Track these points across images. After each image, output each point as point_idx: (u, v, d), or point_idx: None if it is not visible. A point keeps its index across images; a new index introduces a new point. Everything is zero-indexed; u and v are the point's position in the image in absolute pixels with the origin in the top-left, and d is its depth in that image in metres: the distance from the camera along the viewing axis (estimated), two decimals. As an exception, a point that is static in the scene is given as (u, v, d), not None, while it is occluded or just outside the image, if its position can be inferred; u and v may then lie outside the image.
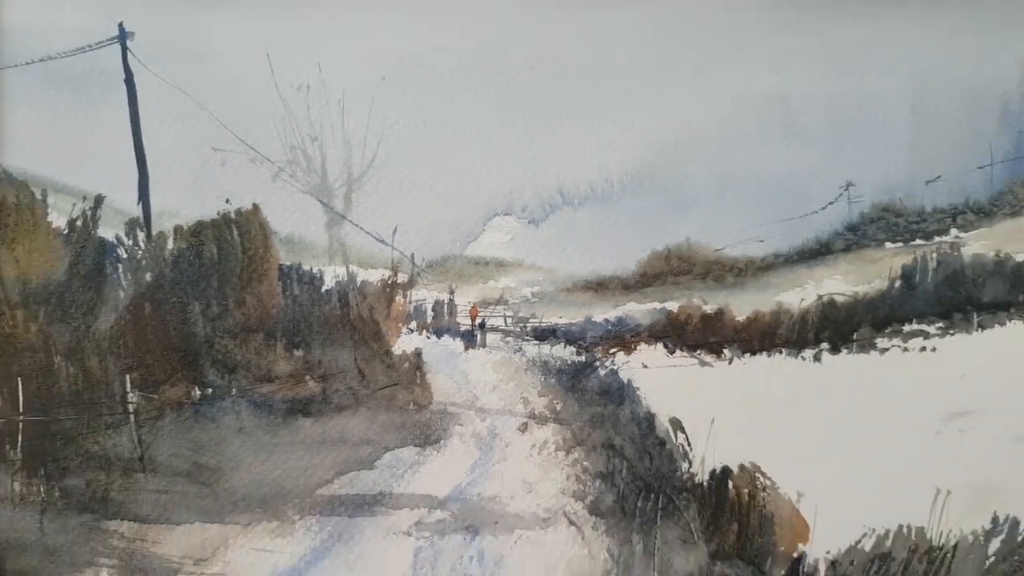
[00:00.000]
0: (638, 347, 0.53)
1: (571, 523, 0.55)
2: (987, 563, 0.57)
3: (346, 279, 0.53)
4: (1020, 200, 0.56)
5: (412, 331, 0.54)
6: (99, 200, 0.54)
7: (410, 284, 0.53)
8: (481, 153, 0.53)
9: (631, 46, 0.54)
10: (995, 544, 0.57)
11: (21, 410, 0.54)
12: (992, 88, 0.54)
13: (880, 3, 0.53)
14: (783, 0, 0.53)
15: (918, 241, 0.53)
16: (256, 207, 0.52)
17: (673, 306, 0.53)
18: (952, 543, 0.56)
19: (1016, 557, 0.56)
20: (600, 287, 0.54)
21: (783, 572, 0.56)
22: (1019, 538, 0.56)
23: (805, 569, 0.56)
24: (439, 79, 0.51)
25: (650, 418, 0.55)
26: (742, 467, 0.56)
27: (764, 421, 0.54)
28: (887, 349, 0.54)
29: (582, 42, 0.52)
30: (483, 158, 0.52)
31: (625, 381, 0.54)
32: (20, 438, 0.54)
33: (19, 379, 0.53)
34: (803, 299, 0.52)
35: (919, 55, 0.54)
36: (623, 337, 0.53)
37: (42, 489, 0.54)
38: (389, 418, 0.56)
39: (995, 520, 0.57)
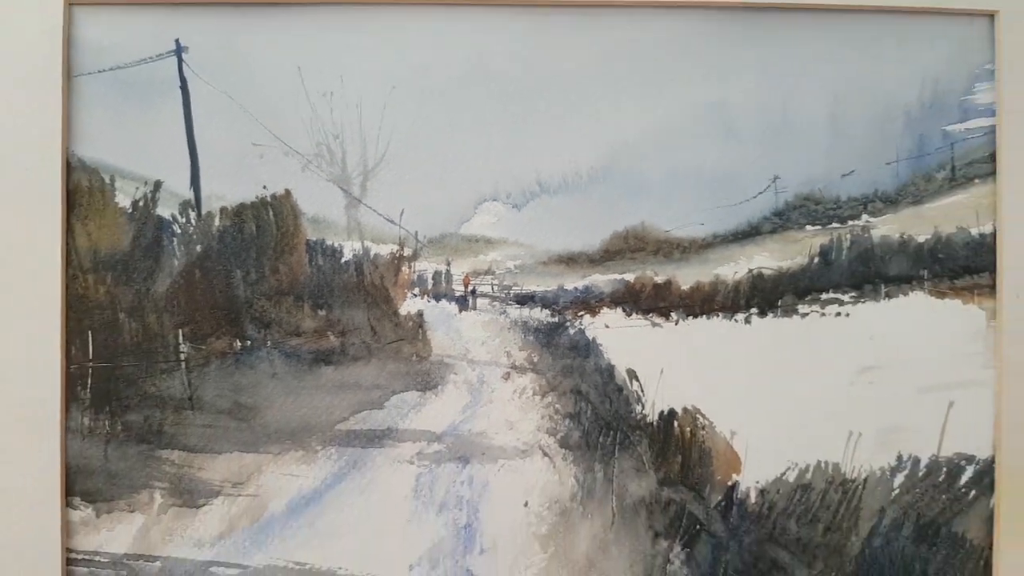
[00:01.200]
0: (601, 311, 0.55)
1: (545, 454, 0.59)
2: (892, 494, 0.61)
3: (361, 252, 0.55)
4: (921, 191, 0.58)
5: (415, 296, 0.57)
6: (158, 185, 0.56)
7: (414, 257, 0.56)
8: (473, 149, 0.55)
9: (597, 61, 0.58)
10: (899, 478, 0.60)
11: (91, 358, 0.57)
12: (897, 98, 0.56)
13: (804, 26, 0.57)
14: (723, 24, 0.56)
15: (834, 225, 0.55)
16: (288, 192, 0.54)
17: (630, 277, 0.55)
18: (863, 477, 0.59)
19: (917, 489, 0.62)
20: (571, 261, 0.56)
21: (720, 497, 0.61)
22: (920, 473, 0.61)
23: (738, 495, 0.60)
24: (439, 88, 0.53)
25: (610, 369, 0.57)
26: (685, 409, 0.58)
27: (704, 372, 0.57)
28: (807, 314, 0.55)
29: (557, 58, 0.55)
30: (474, 153, 0.55)
31: (590, 338, 0.56)
32: (89, 381, 0.57)
33: (89, 332, 0.57)
34: (736, 272, 0.54)
35: (837, 70, 0.56)
36: (589, 302, 0.56)
37: (107, 423, 0.58)
38: (396, 367, 0.58)
39: (899, 458, 0.59)
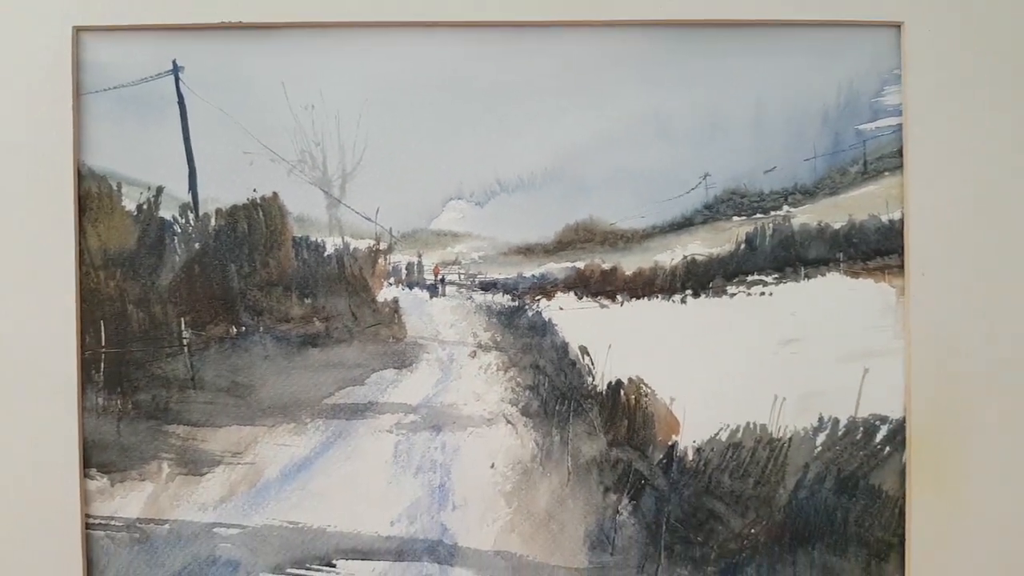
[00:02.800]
0: (556, 295, 0.59)
1: (508, 422, 0.65)
2: (815, 451, 0.64)
3: (342, 247, 0.58)
4: (836, 183, 0.62)
5: (391, 285, 0.60)
6: (159, 190, 0.58)
7: (389, 250, 0.59)
8: (439, 154, 0.59)
9: (548, 75, 0.61)
10: (821, 437, 0.64)
11: (103, 344, 0.59)
12: (815, 102, 0.60)
13: (729, 39, 0.60)
14: (657, 41, 0.60)
15: (758, 215, 0.59)
16: (275, 195, 0.57)
17: (581, 265, 0.58)
18: (788, 436, 0.64)
19: (837, 447, 0.64)
20: (528, 251, 0.60)
21: (661, 456, 0.64)
22: (839, 432, 0.63)
23: (677, 454, 0.63)
24: (408, 101, 0.56)
25: (564, 346, 0.60)
26: (630, 380, 0.64)
27: (646, 347, 0.60)
28: (735, 294, 0.59)
29: (512, 73, 0.59)
30: (441, 157, 0.58)
31: (546, 319, 0.60)
32: (102, 365, 0.59)
33: (102, 322, 0.59)
34: (672, 258, 0.58)
35: (759, 78, 0.60)
36: (545, 288, 0.60)
37: (119, 402, 0.58)
38: (375, 348, 0.61)
39: (820, 419, 0.64)
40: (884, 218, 0.63)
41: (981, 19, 0.61)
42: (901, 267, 0.62)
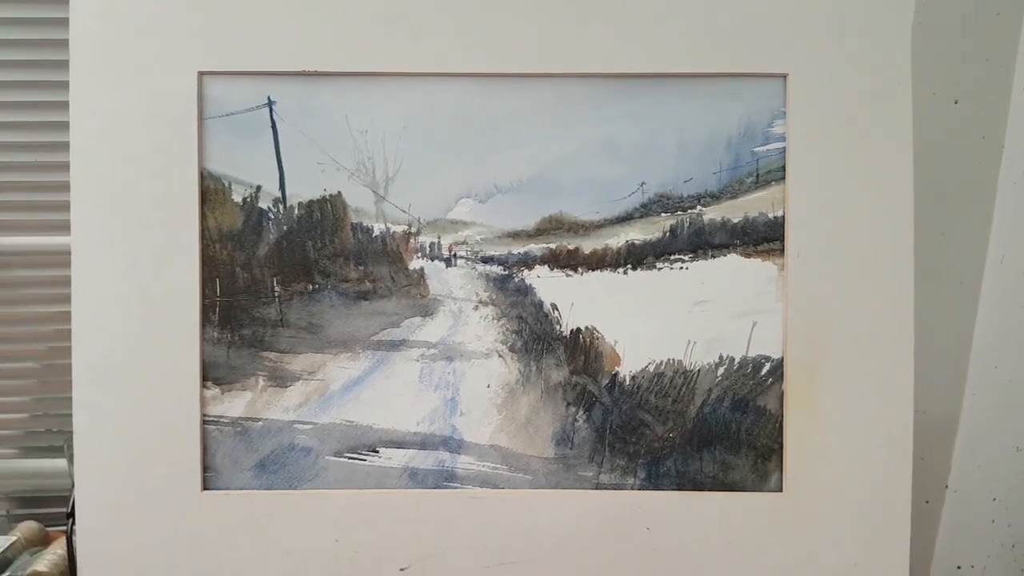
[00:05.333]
0: (535, 267, 0.76)
1: (500, 356, 0.75)
2: (716, 380, 0.75)
3: (385, 230, 0.75)
4: (736, 190, 0.76)
5: (419, 258, 0.76)
6: (258, 188, 0.74)
7: (417, 233, 0.76)
8: (454, 165, 0.75)
9: (530, 110, 0.74)
10: (721, 370, 0.75)
11: (218, 295, 0.73)
12: (722, 131, 0.74)
13: (659, 86, 0.74)
14: (608, 86, 0.74)
15: (679, 212, 0.75)
16: (339, 193, 0.75)
17: (553, 246, 0.75)
18: (697, 369, 0.75)
19: (733, 377, 0.76)
20: (516, 236, 0.76)
21: (607, 381, 0.75)
22: (735, 367, 0.75)
23: (618, 380, 0.75)
24: (432, 128, 0.74)
25: (540, 303, 0.76)
26: (586, 327, 0.75)
27: (598, 305, 0.76)
28: (662, 268, 0.76)
29: (505, 107, 0.74)
30: (455, 168, 0.75)
31: (528, 284, 0.76)
32: (217, 310, 0.73)
33: (217, 279, 0.73)
34: (618, 242, 0.75)
35: (683, 113, 0.74)
36: (527, 262, 0.76)
37: (228, 336, 0.73)
38: (407, 302, 0.76)
39: (720, 357, 0.75)
40: (770, 215, 0.73)
41: (848, 71, 0.73)
42: (782, 250, 0.72)
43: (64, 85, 1.08)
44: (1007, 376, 1.17)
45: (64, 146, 1.09)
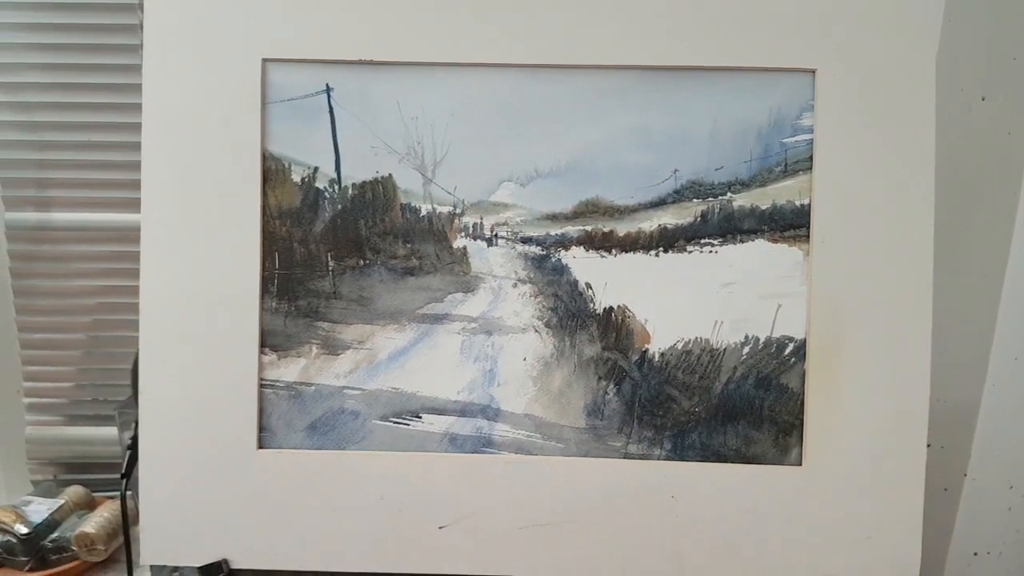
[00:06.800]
0: (571, 248, 0.79)
1: (536, 331, 0.78)
2: (742, 358, 0.78)
3: (432, 211, 0.79)
4: (765, 179, 0.78)
5: (462, 237, 0.80)
6: (316, 169, 0.78)
7: (462, 214, 0.79)
8: (497, 151, 0.78)
9: (571, 100, 0.77)
10: (746, 349, 0.78)
11: (277, 268, 0.77)
12: (752, 121, 0.77)
13: (693, 78, 0.77)
14: (643, 78, 0.77)
15: (710, 199, 0.78)
16: (390, 175, 0.79)
17: (589, 228, 0.78)
18: (723, 347, 0.77)
19: (758, 356, 0.78)
20: (554, 218, 0.78)
21: (637, 357, 0.78)
22: (760, 347, 0.78)
23: (648, 356, 0.78)
24: (477, 116, 0.78)
25: (575, 282, 0.79)
26: (619, 306, 0.78)
27: (630, 284, 0.79)
28: (692, 251, 0.78)
29: (546, 98, 0.78)
30: (498, 153, 0.78)
31: (564, 264, 0.79)
32: (276, 281, 0.76)
33: (276, 253, 0.77)
34: (651, 226, 0.78)
35: (715, 105, 0.77)
36: (564, 243, 0.79)
37: (285, 306, 0.77)
38: (451, 278, 0.79)
39: (746, 337, 0.78)
40: (797, 203, 0.75)
41: (874, 67, 0.75)
42: (807, 237, 0.75)
43: (112, 68, 1.15)
44: (1027, 367, 1.18)
45: (113, 126, 1.18)
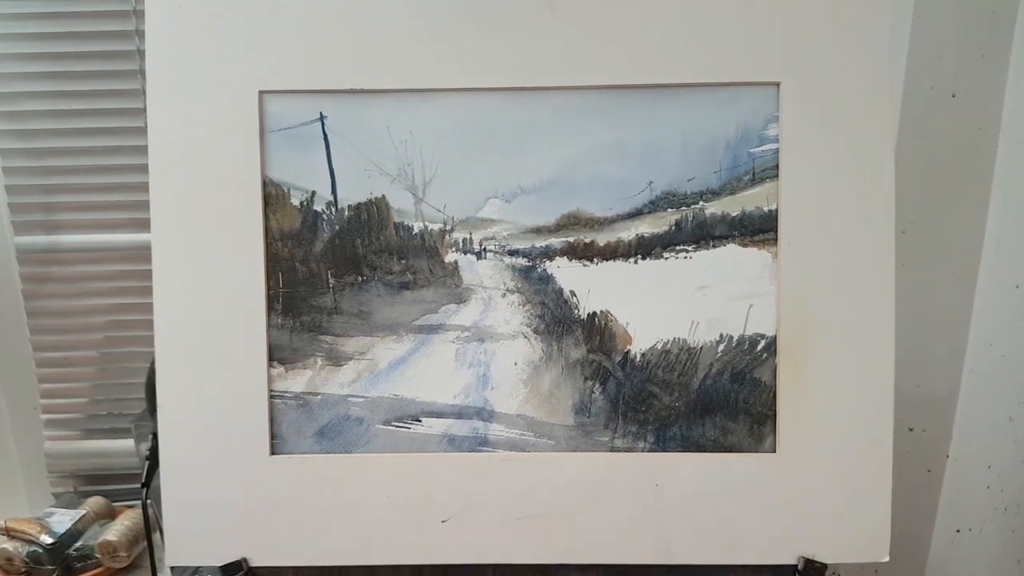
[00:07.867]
0: (555, 259, 0.82)
1: (525, 337, 0.80)
2: (717, 355, 0.81)
3: (423, 228, 0.82)
4: (734, 187, 0.82)
5: (453, 251, 0.82)
6: (313, 193, 0.81)
7: (452, 230, 0.82)
8: (483, 170, 0.81)
9: (550, 119, 0.80)
10: (721, 347, 0.81)
11: (281, 286, 0.79)
12: (720, 134, 0.80)
13: (664, 95, 0.80)
14: (617, 96, 0.80)
15: (683, 208, 0.81)
16: (384, 196, 0.81)
17: (571, 239, 0.81)
18: (700, 346, 0.80)
19: (732, 353, 0.81)
20: (538, 231, 0.81)
21: (620, 358, 0.80)
22: (734, 344, 0.81)
23: (630, 357, 0.80)
24: (463, 137, 0.81)
25: (560, 290, 0.82)
26: (601, 311, 0.81)
27: (612, 291, 0.82)
28: (668, 257, 0.82)
29: (527, 117, 0.81)
30: (484, 172, 0.81)
31: (550, 274, 0.82)
32: (280, 299, 0.79)
33: (279, 272, 0.79)
34: (629, 236, 0.81)
35: (686, 118, 0.80)
36: (549, 254, 0.82)
37: (290, 322, 0.80)
38: (444, 291, 0.82)
39: (721, 335, 0.81)
40: (765, 209, 0.78)
41: (834, 78, 0.79)
42: (775, 240, 0.78)
43: (116, 93, 1.20)
44: (1001, 353, 1.24)
45: (121, 150, 1.23)
